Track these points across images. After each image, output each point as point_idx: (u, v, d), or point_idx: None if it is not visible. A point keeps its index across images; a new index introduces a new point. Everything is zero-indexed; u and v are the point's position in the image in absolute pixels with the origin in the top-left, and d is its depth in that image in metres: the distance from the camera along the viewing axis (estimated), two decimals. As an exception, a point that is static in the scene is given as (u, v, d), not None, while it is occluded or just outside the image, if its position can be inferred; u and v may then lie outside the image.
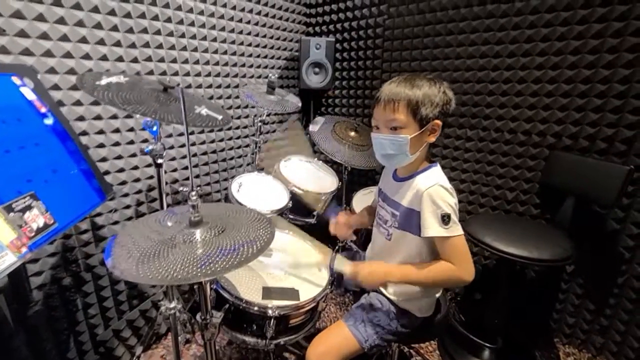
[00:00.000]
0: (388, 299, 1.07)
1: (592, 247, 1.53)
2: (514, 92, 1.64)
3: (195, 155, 1.78)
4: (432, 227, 0.90)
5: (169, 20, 1.51)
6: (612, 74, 1.40)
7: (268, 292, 1.01)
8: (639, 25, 1.31)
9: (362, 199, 1.74)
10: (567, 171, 1.51)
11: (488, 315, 1.62)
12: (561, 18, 1.46)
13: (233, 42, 1.84)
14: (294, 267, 1.15)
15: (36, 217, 0.74)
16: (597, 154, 1.49)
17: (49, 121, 0.87)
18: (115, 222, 1.44)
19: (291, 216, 1.60)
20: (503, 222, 1.57)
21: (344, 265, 1.00)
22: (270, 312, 0.94)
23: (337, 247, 1.89)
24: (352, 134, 1.86)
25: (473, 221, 1.53)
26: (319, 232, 1.67)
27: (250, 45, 1.95)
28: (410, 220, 0.97)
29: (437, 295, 1.10)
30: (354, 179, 2.37)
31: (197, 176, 1.82)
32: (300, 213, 1.64)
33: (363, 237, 1.57)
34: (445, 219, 0.89)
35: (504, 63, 1.64)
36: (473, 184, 1.87)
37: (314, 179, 1.73)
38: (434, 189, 0.90)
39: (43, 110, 0.87)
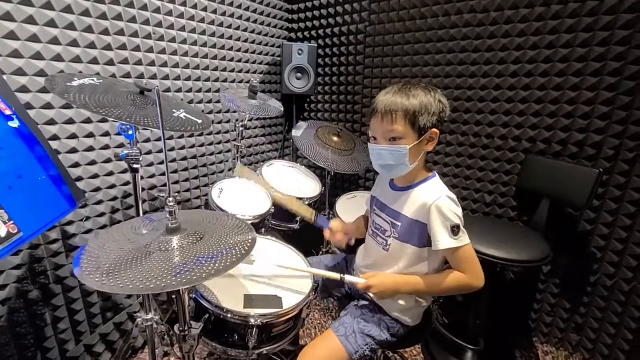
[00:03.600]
0: (380, 309, 1.06)
1: (567, 247, 1.59)
2: (491, 98, 1.70)
3: (174, 160, 1.73)
4: (443, 241, 0.90)
5: (146, 22, 1.48)
6: (581, 82, 1.47)
7: (250, 300, 0.98)
8: (604, 36, 1.39)
9: (346, 204, 1.73)
10: (541, 175, 1.57)
11: (470, 317, 1.64)
12: (533, 28, 1.53)
13: (214, 47, 1.82)
14: (276, 274, 1.13)
15: (-2, 226, 0.69)
16: (569, 158, 1.55)
17: (14, 124, 0.82)
18: (88, 231, 1.38)
19: (274, 222, 1.58)
20: (483, 225, 1.61)
21: (356, 280, 1.01)
22: (252, 320, 0.91)
23: (320, 253, 1.89)
24: (335, 138, 1.87)
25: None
26: (303, 237, 1.66)
27: (231, 49, 1.93)
28: (414, 232, 0.97)
29: (429, 304, 1.11)
30: (337, 183, 2.37)
31: (177, 182, 1.77)
32: (283, 219, 1.61)
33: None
34: (455, 230, 0.89)
35: (481, 70, 1.69)
36: (453, 187, 1.91)
37: (297, 184, 1.72)
38: (442, 202, 0.90)
39: (8, 112, 0.82)
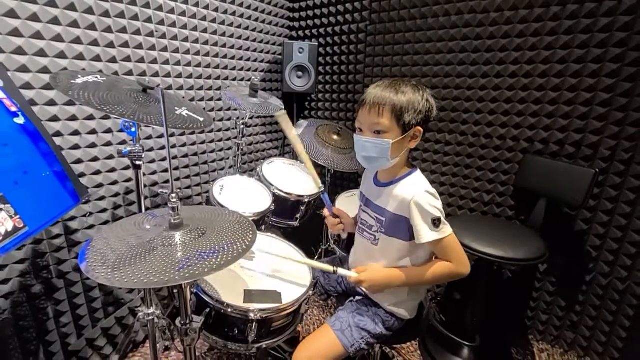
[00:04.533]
0: (374, 303, 1.08)
1: (563, 246, 1.61)
2: (490, 98, 1.71)
3: (175, 157, 1.75)
4: (425, 234, 0.92)
5: (149, 20, 1.49)
6: (579, 83, 1.48)
7: (250, 295, 1.00)
8: (602, 38, 1.40)
9: (345, 202, 1.75)
10: (539, 174, 1.59)
11: (467, 315, 1.66)
12: (532, 29, 1.54)
13: (215, 44, 1.83)
14: (276, 270, 1.14)
15: (4, 221, 0.71)
16: (566, 158, 1.57)
17: (19, 120, 0.84)
18: (91, 227, 1.39)
19: (274, 219, 1.60)
20: (480, 224, 1.63)
21: (348, 273, 1.03)
22: (252, 315, 0.93)
23: (319, 251, 1.91)
24: (335, 137, 1.88)
25: (452, 223, 1.56)
26: (302, 235, 1.68)
27: (233, 47, 1.94)
28: (398, 227, 0.99)
29: (422, 297, 1.13)
30: (337, 182, 2.39)
31: (178, 179, 1.79)
32: (283, 216, 1.63)
33: (345, 241, 1.58)
34: (436, 223, 0.92)
35: (480, 70, 1.71)
36: (452, 186, 1.93)
37: (297, 181, 1.74)
38: (420, 196, 0.92)
39: (13, 109, 0.84)
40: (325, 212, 1.21)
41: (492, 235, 1.46)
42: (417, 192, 0.93)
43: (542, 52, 1.54)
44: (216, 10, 1.79)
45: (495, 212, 1.81)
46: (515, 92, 1.64)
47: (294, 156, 2.48)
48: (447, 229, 0.94)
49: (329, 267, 1.05)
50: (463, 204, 1.91)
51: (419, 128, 0.94)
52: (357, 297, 1.13)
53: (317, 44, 2.15)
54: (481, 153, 1.79)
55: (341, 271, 1.04)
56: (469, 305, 1.67)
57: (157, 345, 1.24)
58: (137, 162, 1.08)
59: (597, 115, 1.47)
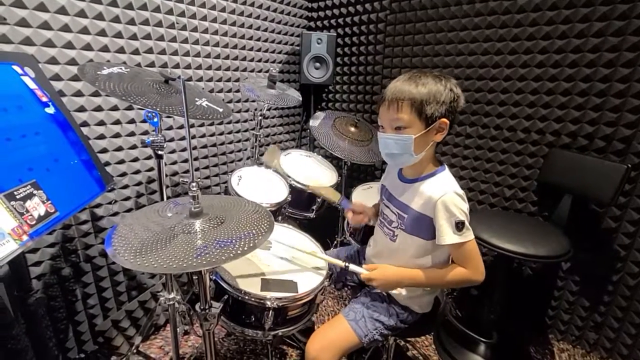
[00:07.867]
0: (389, 295, 1.07)
1: (589, 244, 1.55)
2: (514, 89, 1.65)
3: (195, 148, 1.78)
4: (447, 235, 0.90)
5: (170, 12, 1.51)
6: (612, 73, 1.40)
7: (266, 284, 1.02)
8: (639, 24, 1.31)
9: (362, 194, 1.74)
10: (565, 169, 1.52)
11: (484, 311, 1.63)
12: (563, 16, 1.46)
13: (234, 36, 1.84)
14: (292, 260, 1.16)
15: (37, 206, 0.75)
16: (596, 153, 1.50)
17: (50, 110, 0.88)
18: (115, 214, 1.45)
19: (290, 210, 1.61)
20: (501, 219, 1.58)
21: (359, 270, 1.04)
22: (268, 303, 0.95)
23: (335, 242, 1.91)
24: (352, 129, 1.87)
25: (471, 218, 1.53)
26: (318, 226, 1.68)
27: (251, 39, 1.94)
28: (420, 225, 0.97)
29: (437, 292, 1.12)
30: (354, 174, 2.38)
31: (197, 169, 1.83)
32: (300, 207, 1.64)
33: (361, 233, 1.57)
34: (459, 226, 0.90)
35: (505, 60, 1.64)
36: (472, 180, 1.88)
37: (314, 173, 1.74)
38: (448, 197, 0.90)
39: (44, 99, 0.87)
40: (349, 214, 1.21)
41: (513, 230, 1.42)
42: (445, 192, 0.90)
43: (572, 40, 1.46)
44: (235, 1, 1.79)
45: (516, 207, 1.76)
46: (542, 83, 1.57)
47: (311, 148, 2.49)
48: (469, 234, 0.91)
49: (340, 263, 1.05)
50: (483, 198, 1.87)
51: (445, 120, 0.90)
52: (372, 289, 1.13)
53: (335, 34, 2.13)
54: (504, 146, 1.73)
55: (353, 267, 1.04)
56: (486, 302, 1.64)
57: (177, 329, 1.29)
58: (159, 152, 1.11)
59: (631, 107, 1.39)
